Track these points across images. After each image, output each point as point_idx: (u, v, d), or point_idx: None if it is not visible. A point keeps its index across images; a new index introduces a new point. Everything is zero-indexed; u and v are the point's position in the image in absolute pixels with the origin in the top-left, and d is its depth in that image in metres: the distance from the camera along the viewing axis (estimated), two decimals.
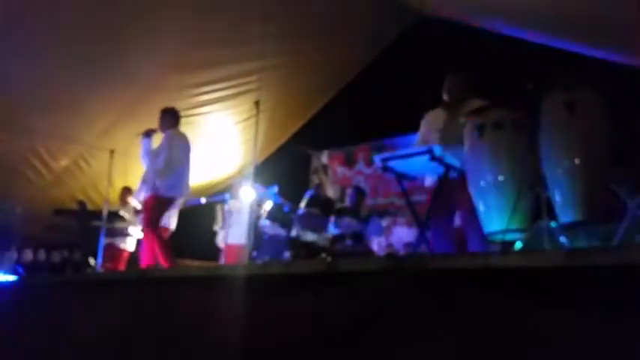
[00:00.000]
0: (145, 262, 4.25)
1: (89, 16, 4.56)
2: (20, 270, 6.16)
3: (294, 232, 4.81)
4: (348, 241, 4.56)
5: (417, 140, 3.51)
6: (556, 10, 3.90)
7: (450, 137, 3.00)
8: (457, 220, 3.29)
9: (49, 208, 5.69)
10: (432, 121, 3.39)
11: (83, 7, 4.48)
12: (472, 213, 2.70)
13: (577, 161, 2.32)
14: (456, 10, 5.30)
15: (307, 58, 6.07)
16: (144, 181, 4.37)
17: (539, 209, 2.40)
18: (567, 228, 2.36)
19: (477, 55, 4.95)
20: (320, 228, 4.69)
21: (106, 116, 5.58)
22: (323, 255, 4.46)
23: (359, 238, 4.65)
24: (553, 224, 2.32)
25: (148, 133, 4.51)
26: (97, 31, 4.72)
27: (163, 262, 4.17)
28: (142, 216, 4.50)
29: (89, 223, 5.19)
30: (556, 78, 2.54)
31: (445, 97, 3.37)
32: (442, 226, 3.19)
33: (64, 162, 6.09)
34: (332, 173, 7.81)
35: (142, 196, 4.38)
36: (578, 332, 1.24)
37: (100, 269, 4.79)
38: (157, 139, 4.57)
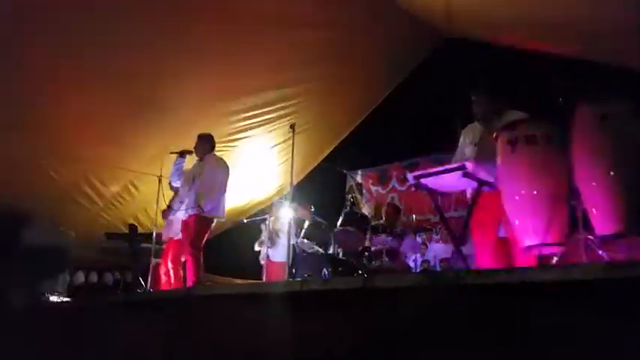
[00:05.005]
0: (190, 279, 4.42)
1: (137, 54, 4.88)
2: (74, 292, 6.43)
3: (331, 250, 4.89)
4: (384, 258, 4.59)
5: (455, 154, 3.54)
6: (584, 22, 3.89)
7: (486, 150, 2.98)
8: (502, 231, 3.26)
9: (101, 232, 6.00)
10: (469, 134, 3.39)
11: (131, 47, 4.79)
12: None
13: (612, 173, 2.31)
14: (483, 30, 5.34)
15: (340, 81, 6.25)
16: (181, 202, 4.57)
17: (575, 222, 2.39)
18: (605, 241, 2.34)
19: (507, 71, 4.96)
20: (356, 245, 4.76)
21: (152, 144, 5.86)
22: (360, 271, 4.51)
23: (394, 254, 4.68)
24: (590, 237, 2.31)
25: (183, 154, 4.75)
26: (145, 66, 5.04)
27: (192, 279, 4.33)
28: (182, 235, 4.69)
29: (139, 245, 5.42)
30: (588, 91, 2.55)
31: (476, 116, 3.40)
32: (484, 239, 3.14)
33: (114, 188, 6.39)
34: (366, 192, 7.87)
35: (182, 215, 4.57)
36: (622, 346, 1.24)
37: (149, 289, 4.98)
38: (190, 162, 4.80)
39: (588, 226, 2.35)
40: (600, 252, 2.31)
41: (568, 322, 1.34)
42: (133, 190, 6.51)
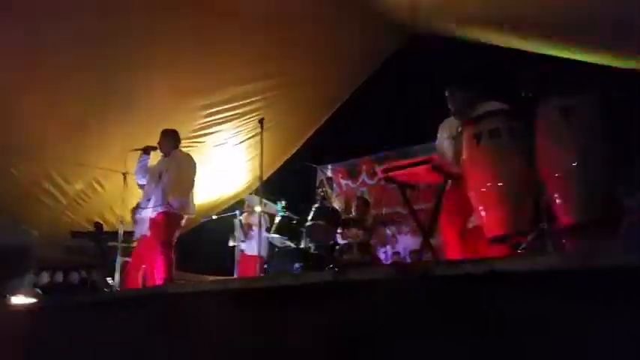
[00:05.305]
0: (161, 277, 4.33)
1: (100, 47, 4.76)
2: (38, 292, 6.24)
3: (302, 244, 4.91)
4: (355, 251, 4.63)
5: (436, 148, 3.55)
6: (547, 15, 3.98)
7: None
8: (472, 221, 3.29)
9: (65, 231, 5.83)
10: (446, 129, 3.44)
11: (94, 40, 4.67)
12: None
13: (574, 164, 2.38)
14: (450, 24, 5.42)
15: (308, 76, 6.26)
16: (148, 199, 4.47)
17: (540, 213, 2.46)
18: (568, 231, 2.41)
19: (473, 66, 5.05)
20: (327, 239, 4.79)
21: (117, 140, 5.72)
22: (331, 265, 4.54)
23: (365, 247, 4.73)
24: (554, 227, 2.37)
25: (147, 150, 4.64)
26: (108, 60, 4.92)
27: (163, 277, 4.25)
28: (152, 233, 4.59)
29: (106, 244, 5.30)
30: (551, 84, 2.61)
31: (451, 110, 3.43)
32: (454, 230, 3.22)
33: (78, 186, 6.22)
34: (336, 186, 7.92)
35: (150, 213, 4.46)
36: (584, 335, 1.27)
37: (118, 288, 4.88)
38: (155, 158, 4.69)
39: (552, 217, 2.41)
40: (564, 242, 2.38)
41: (537, 312, 1.37)
42: (97, 187, 6.36)
